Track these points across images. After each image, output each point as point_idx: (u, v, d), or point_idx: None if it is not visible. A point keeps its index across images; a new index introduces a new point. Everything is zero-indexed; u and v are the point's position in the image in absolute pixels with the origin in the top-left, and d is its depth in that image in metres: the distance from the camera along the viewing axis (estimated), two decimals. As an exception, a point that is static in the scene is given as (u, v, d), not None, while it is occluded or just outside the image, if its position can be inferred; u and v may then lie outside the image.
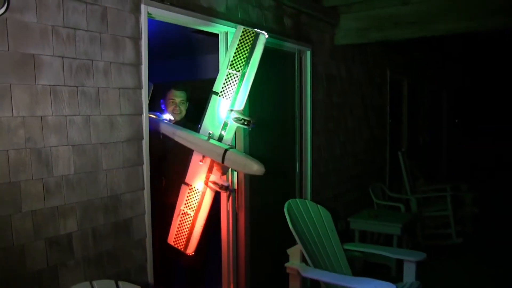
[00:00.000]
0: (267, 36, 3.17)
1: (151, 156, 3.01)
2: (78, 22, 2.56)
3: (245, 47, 3.15)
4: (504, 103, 11.40)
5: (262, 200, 4.30)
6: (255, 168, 3.07)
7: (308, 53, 4.93)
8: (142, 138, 2.97)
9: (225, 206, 3.90)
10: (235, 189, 3.86)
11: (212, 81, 3.34)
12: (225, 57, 3.16)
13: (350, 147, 6.06)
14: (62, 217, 2.51)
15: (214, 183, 3.27)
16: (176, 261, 4.06)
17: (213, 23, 3.58)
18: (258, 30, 3.15)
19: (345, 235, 5.74)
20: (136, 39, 2.91)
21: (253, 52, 3.15)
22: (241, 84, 3.16)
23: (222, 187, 3.28)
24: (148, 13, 2.99)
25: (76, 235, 2.59)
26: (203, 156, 3.27)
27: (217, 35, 3.83)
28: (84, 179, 2.62)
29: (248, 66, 3.13)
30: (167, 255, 3.72)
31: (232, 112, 3.21)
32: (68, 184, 2.54)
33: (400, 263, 4.05)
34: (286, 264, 3.85)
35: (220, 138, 3.27)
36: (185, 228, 3.27)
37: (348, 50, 5.91)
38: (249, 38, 3.14)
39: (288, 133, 4.79)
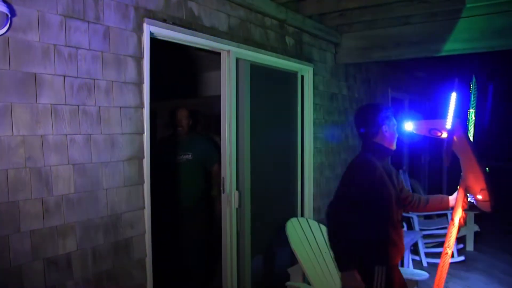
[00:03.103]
0: None
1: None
2: (80, 41, 2.56)
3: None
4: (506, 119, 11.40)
5: (264, 218, 4.27)
6: None
7: (310, 71, 4.94)
8: (143, 157, 2.95)
9: (227, 225, 3.86)
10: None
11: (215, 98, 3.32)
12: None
13: (352, 165, 6.03)
14: (61, 237, 2.49)
15: (463, 218, 2.91)
16: None
17: (215, 42, 3.58)
18: None
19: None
20: (138, 58, 2.91)
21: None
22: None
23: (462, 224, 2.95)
24: (151, 32, 3.01)
25: (75, 255, 2.56)
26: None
27: (219, 53, 3.83)
28: (84, 198, 2.61)
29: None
30: None
31: None
32: (68, 203, 2.52)
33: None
34: (287, 283, 3.82)
35: None
36: (440, 272, 2.91)
37: (350, 68, 5.93)
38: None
39: (290, 152, 4.78)
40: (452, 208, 2.95)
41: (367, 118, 2.92)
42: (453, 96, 2.78)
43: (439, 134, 2.86)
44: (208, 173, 4.71)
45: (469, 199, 2.90)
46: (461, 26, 4.68)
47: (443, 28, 4.78)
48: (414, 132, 3.06)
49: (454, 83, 2.88)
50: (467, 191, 2.86)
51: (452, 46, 4.77)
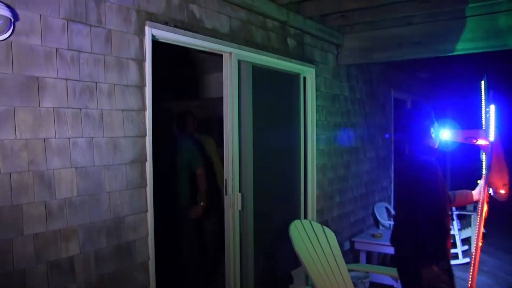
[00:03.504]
0: None
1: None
2: (82, 45, 2.57)
3: None
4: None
5: (267, 220, 4.26)
6: None
7: (312, 73, 4.93)
8: (146, 160, 2.95)
9: (230, 227, 3.86)
10: None
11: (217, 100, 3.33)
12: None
13: (355, 167, 6.03)
14: (64, 240, 2.49)
15: (487, 211, 3.10)
16: None
17: (217, 44, 3.59)
18: None
19: (351, 255, 5.69)
20: (140, 61, 2.92)
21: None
22: None
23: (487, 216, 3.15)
24: (152, 35, 3.01)
25: (78, 258, 2.56)
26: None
27: (221, 55, 3.84)
28: (87, 201, 2.61)
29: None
30: None
31: None
32: (70, 206, 2.52)
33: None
34: (291, 286, 3.81)
35: None
36: (476, 263, 3.06)
37: (352, 69, 5.92)
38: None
39: (292, 153, 4.77)
40: (476, 202, 3.19)
41: (418, 122, 3.13)
42: (492, 108, 3.00)
43: (475, 141, 3.18)
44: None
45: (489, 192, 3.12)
46: (463, 25, 4.67)
47: (445, 28, 4.77)
48: (451, 140, 3.29)
49: (490, 95, 3.06)
50: (488, 186, 3.05)
51: (455, 46, 4.75)
